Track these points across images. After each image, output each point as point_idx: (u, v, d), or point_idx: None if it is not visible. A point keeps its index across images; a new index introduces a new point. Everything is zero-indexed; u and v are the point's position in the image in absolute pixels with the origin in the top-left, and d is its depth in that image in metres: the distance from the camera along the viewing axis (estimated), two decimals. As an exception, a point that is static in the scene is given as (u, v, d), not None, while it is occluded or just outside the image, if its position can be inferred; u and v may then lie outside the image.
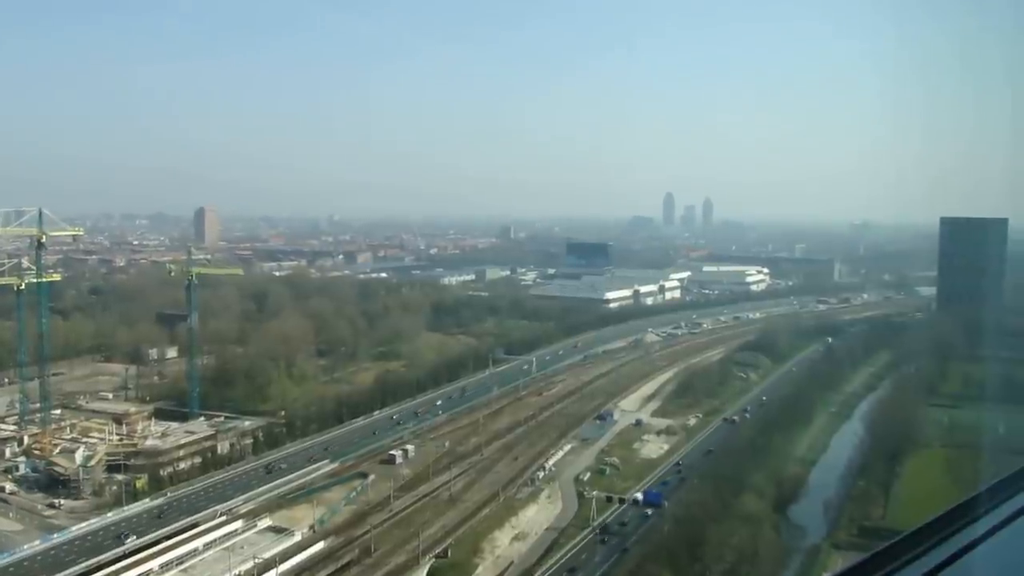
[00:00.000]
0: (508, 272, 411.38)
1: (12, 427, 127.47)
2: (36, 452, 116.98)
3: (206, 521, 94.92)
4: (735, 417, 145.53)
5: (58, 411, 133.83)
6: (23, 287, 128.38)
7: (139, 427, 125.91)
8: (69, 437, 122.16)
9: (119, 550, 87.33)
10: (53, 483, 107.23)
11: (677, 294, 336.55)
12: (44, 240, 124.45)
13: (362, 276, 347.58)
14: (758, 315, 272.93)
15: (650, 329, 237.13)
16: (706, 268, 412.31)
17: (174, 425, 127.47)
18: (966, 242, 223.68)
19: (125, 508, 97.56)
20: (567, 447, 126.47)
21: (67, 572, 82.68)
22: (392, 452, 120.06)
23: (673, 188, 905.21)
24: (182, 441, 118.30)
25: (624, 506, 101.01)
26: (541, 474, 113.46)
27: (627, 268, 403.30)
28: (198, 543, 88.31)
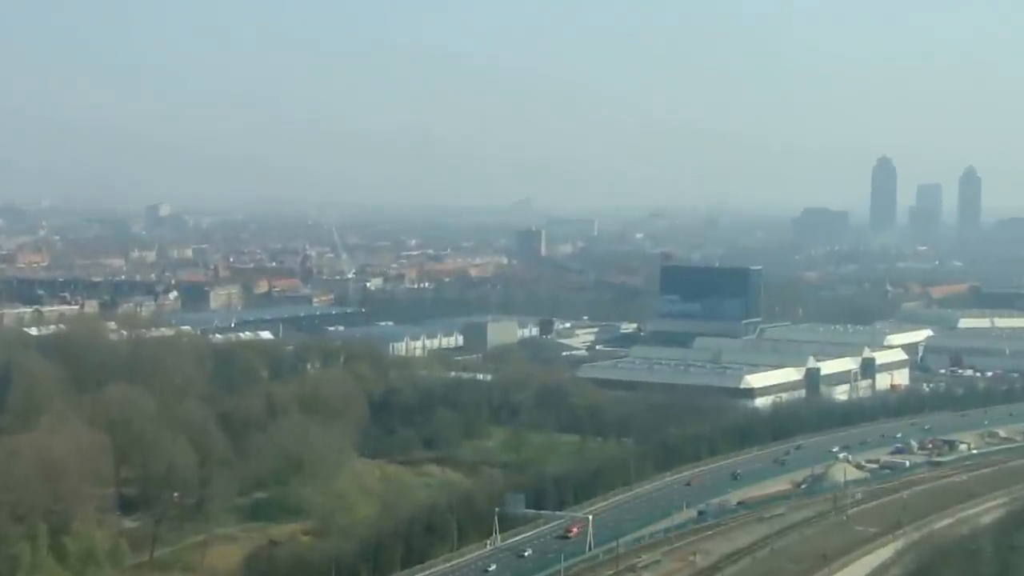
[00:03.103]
0: (535, 328, 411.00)
1: None
2: None
3: None
4: None
5: None
6: None
7: None
8: None
9: None
10: None
11: (903, 377, 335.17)
12: None
13: (220, 337, 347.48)
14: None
15: (844, 454, 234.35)
16: (966, 322, 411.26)
17: None
18: None
19: None
20: None
21: None
22: None
23: (893, 152, 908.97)
24: None
25: None
26: None
27: (792, 320, 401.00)
28: None
